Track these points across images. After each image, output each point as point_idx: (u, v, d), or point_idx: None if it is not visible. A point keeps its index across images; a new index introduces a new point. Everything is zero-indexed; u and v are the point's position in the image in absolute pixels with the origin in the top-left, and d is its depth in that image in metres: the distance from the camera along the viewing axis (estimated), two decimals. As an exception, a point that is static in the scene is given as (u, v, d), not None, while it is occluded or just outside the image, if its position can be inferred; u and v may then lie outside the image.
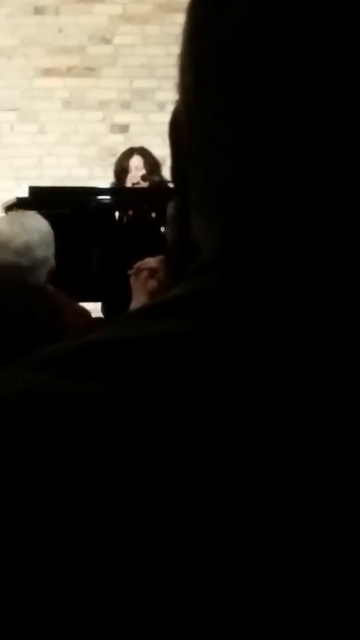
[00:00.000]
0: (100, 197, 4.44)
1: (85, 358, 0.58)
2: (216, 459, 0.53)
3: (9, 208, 3.83)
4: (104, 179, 5.88)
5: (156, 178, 5.43)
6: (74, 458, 0.53)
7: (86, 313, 3.60)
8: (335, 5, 0.56)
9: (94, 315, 3.74)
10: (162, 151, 5.46)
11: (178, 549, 0.51)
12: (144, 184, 5.48)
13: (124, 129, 7.06)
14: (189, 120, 0.63)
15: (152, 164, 5.53)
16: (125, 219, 4.19)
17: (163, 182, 5.30)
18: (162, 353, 0.57)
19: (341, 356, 0.56)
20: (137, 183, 5.57)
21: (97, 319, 3.67)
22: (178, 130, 0.65)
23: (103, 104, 7.09)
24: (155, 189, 5.17)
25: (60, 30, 7.19)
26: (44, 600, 0.52)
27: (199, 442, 0.53)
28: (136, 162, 5.65)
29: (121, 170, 5.72)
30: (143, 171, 5.60)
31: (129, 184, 5.62)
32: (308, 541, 0.52)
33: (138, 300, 3.29)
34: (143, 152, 5.66)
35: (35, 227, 3.37)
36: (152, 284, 3.22)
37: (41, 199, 3.98)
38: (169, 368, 0.56)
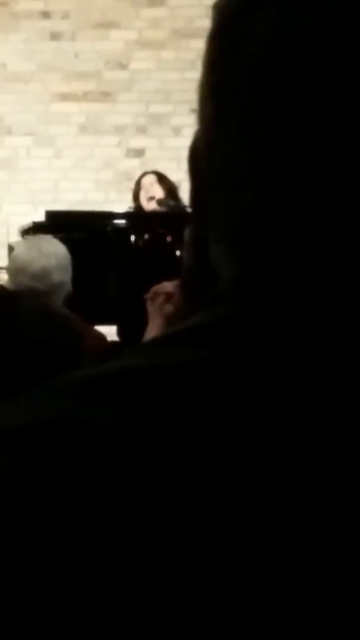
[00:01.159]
0: (116, 221, 4.45)
1: (105, 386, 0.57)
2: (236, 487, 0.53)
3: (26, 232, 3.93)
4: (120, 203, 5.93)
5: (172, 202, 5.45)
6: (90, 484, 0.53)
7: (102, 337, 3.63)
8: (352, 32, 0.57)
9: (109, 338, 3.74)
10: (177, 176, 5.57)
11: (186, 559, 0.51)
12: (161, 208, 5.49)
13: (139, 153, 7.07)
14: (208, 149, 0.63)
15: (168, 187, 5.58)
16: (141, 242, 4.20)
17: (179, 206, 5.33)
18: (182, 382, 0.56)
19: None
20: (153, 197, 5.59)
21: (113, 343, 3.70)
22: (198, 158, 0.65)
23: (119, 129, 7.10)
24: (171, 213, 5.18)
25: (76, 55, 7.18)
26: (49, 606, 0.52)
27: (216, 474, 0.53)
28: (150, 179, 5.70)
29: (137, 188, 5.77)
30: (157, 186, 5.66)
31: (144, 200, 5.66)
32: (309, 548, 0.52)
33: (154, 324, 3.30)
34: (158, 174, 5.71)
35: (52, 251, 3.40)
36: (169, 308, 3.20)
37: (57, 223, 4.04)
38: (188, 397, 0.56)
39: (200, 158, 0.64)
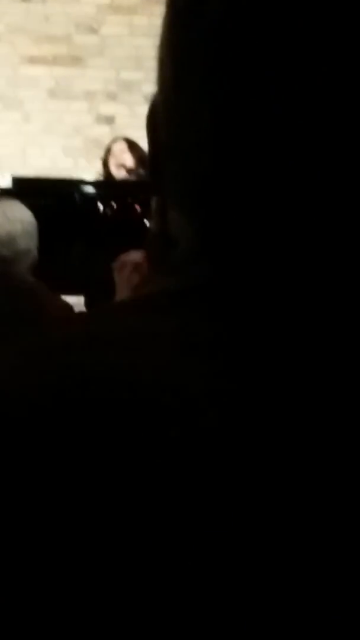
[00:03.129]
0: (84, 188, 4.44)
1: (55, 354, 0.59)
2: (210, 451, 0.54)
3: None
4: (89, 170, 5.92)
5: (142, 171, 5.40)
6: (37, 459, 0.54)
7: (68, 307, 3.54)
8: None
9: (77, 309, 3.67)
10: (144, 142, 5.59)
11: (179, 540, 0.53)
12: (130, 177, 5.50)
13: (109, 120, 7.10)
14: (167, 112, 0.64)
15: (138, 156, 5.51)
16: (109, 211, 4.18)
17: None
18: (135, 354, 0.57)
19: (329, 341, 0.58)
20: (122, 165, 5.58)
21: (80, 313, 3.43)
22: (156, 122, 0.66)
23: (89, 95, 7.12)
24: (141, 182, 5.11)
25: (47, 18, 7.13)
26: (46, 588, 0.53)
27: (194, 433, 0.54)
28: (120, 146, 5.67)
29: (106, 155, 5.74)
30: (127, 154, 5.62)
31: (113, 168, 5.64)
32: (305, 532, 0.53)
33: (121, 295, 3.17)
34: (128, 141, 5.66)
35: (19, 217, 3.36)
36: (136, 278, 3.08)
37: (24, 189, 3.99)
38: (150, 372, 0.56)
39: (159, 122, 0.65)
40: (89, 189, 4.31)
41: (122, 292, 3.17)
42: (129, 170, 5.50)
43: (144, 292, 0.68)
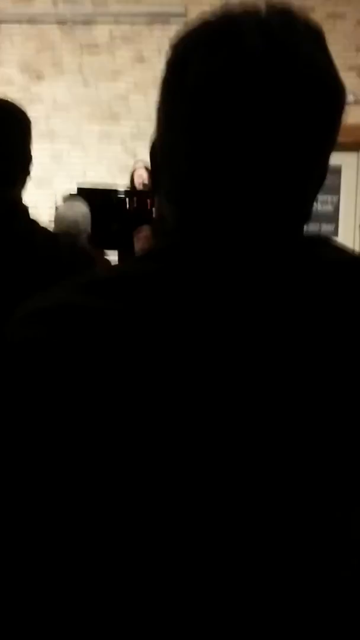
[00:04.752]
0: (118, 192, 4.14)
1: (94, 285, 0.59)
2: (160, 348, 0.53)
3: (65, 198, 3.92)
4: (121, 183, 5.54)
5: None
6: (78, 340, 0.54)
7: (108, 260, 3.83)
8: (236, 77, 0.57)
9: (113, 261, 3.94)
10: None
11: (140, 407, 0.52)
12: (144, 187, 5.34)
13: (133, 152, 6.59)
14: (160, 145, 0.64)
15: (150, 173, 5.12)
16: (132, 207, 3.99)
17: None
18: (139, 282, 0.57)
19: (241, 285, 0.56)
20: (141, 181, 5.43)
21: (114, 264, 3.32)
22: (154, 151, 0.65)
23: (121, 138, 6.80)
24: (150, 190, 4.53)
25: (97, 95, 6.83)
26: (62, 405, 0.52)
27: (157, 335, 0.54)
28: (140, 170, 5.53)
29: (132, 172, 5.61)
30: (145, 173, 5.46)
31: (135, 180, 5.50)
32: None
33: (138, 252, 3.34)
34: (145, 166, 5.51)
35: (79, 210, 3.51)
36: (147, 244, 3.32)
37: (84, 194, 3.92)
38: (143, 291, 0.57)
39: (155, 150, 0.65)
40: (121, 193, 4.11)
41: (138, 250, 3.43)
42: (144, 184, 5.43)
43: (146, 250, 0.64)
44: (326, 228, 6.39)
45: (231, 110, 0.59)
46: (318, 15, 5.71)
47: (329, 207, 6.42)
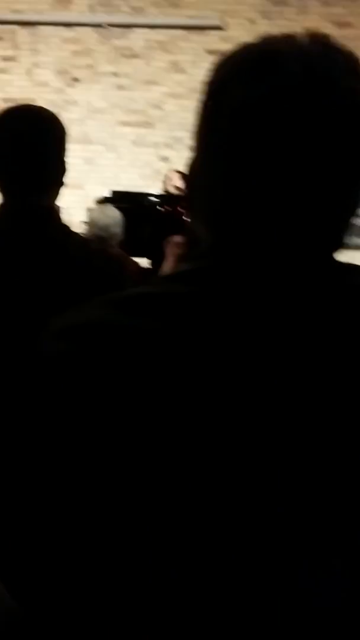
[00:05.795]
0: (151, 198, 4.23)
1: (126, 302, 0.59)
2: (198, 370, 0.53)
3: (98, 202, 3.97)
4: (155, 188, 5.46)
5: (185, 189, 4.94)
6: (106, 358, 0.55)
7: (137, 264, 3.81)
8: (275, 105, 0.57)
9: (143, 266, 3.93)
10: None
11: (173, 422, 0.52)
12: (177, 192, 5.12)
13: (166, 159, 6.77)
14: (197, 167, 0.65)
15: (184, 180, 5.13)
16: (164, 211, 4.03)
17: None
18: (171, 303, 0.58)
19: (279, 307, 0.56)
20: (174, 185, 5.31)
21: (145, 268, 3.78)
22: (191, 173, 0.66)
23: (155, 144, 6.92)
24: (182, 196, 4.02)
25: (132, 99, 6.90)
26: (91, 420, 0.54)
27: (186, 355, 0.54)
28: (173, 174, 5.46)
29: (166, 178, 5.59)
30: (177, 179, 5.32)
31: (169, 186, 5.41)
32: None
33: (168, 259, 3.32)
34: (178, 171, 5.32)
35: (111, 214, 3.59)
36: (177, 250, 3.25)
37: (117, 197, 4.02)
38: (174, 312, 0.57)
39: (192, 173, 0.65)
40: (153, 198, 4.17)
41: (169, 258, 3.30)
42: (177, 188, 5.22)
43: (177, 270, 0.65)
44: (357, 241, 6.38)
45: (268, 138, 0.60)
46: (354, 33, 5.80)
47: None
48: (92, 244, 1.84)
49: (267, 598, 0.56)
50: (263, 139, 0.60)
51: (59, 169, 1.67)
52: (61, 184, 1.68)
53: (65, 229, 1.66)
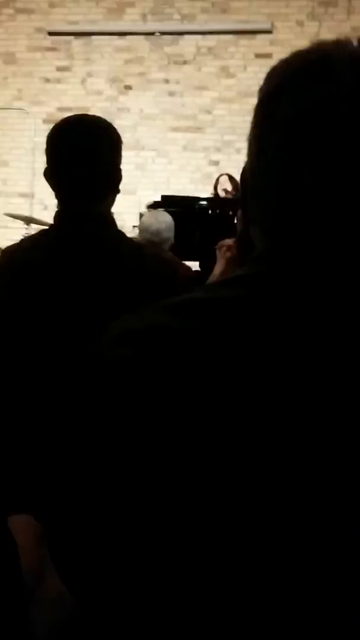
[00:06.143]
0: (201, 202, 4.19)
1: (186, 307, 0.60)
2: (245, 375, 0.52)
3: (150, 207, 4.01)
4: (204, 192, 5.68)
5: (234, 193, 5.39)
6: (165, 361, 0.55)
7: (189, 268, 3.75)
8: (331, 113, 0.57)
9: (194, 269, 3.87)
10: (237, 177, 5.16)
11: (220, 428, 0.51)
12: (227, 196, 5.38)
13: (216, 163, 6.90)
14: (251, 172, 0.64)
15: (234, 184, 5.51)
16: (214, 215, 4.01)
17: (238, 195, 4.34)
18: (226, 307, 0.58)
19: (338, 313, 0.54)
20: (224, 189, 5.47)
21: (195, 271, 3.75)
22: (245, 177, 0.66)
23: (205, 149, 7.04)
24: (234, 200, 4.89)
25: (182, 105, 7.12)
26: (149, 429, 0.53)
27: (231, 362, 0.54)
28: (224, 178, 5.59)
29: (216, 183, 5.65)
30: (228, 183, 5.49)
31: (219, 190, 5.53)
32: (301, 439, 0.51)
33: (219, 263, 3.08)
34: (228, 175, 5.61)
35: (163, 219, 3.57)
36: (228, 254, 2.98)
37: (168, 202, 4.03)
38: (230, 316, 0.57)
39: (247, 177, 0.65)
40: (203, 203, 4.12)
41: (220, 261, 3.05)
42: (227, 192, 5.47)
43: (233, 275, 0.63)
44: None
45: (322, 145, 0.60)
46: None
47: None
48: (147, 249, 1.75)
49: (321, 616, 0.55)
50: (317, 146, 0.60)
51: (115, 176, 1.70)
52: (117, 191, 1.71)
53: (120, 234, 1.68)
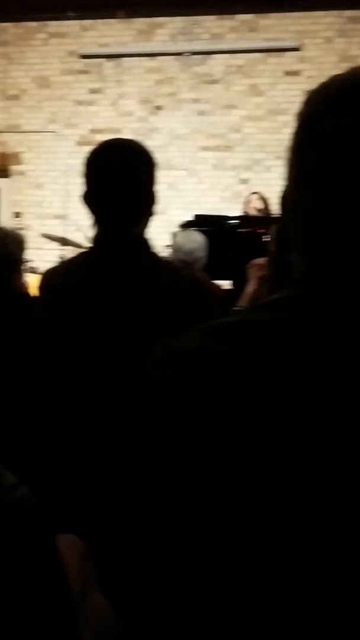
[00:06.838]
0: (231, 221, 4.12)
1: (222, 330, 0.60)
2: (288, 397, 0.52)
3: (182, 226, 3.96)
4: (234, 211, 5.54)
5: (265, 211, 5.41)
6: (203, 384, 0.55)
7: (220, 287, 3.64)
8: None
9: (226, 288, 3.77)
10: (268, 195, 5.50)
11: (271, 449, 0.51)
12: (258, 214, 5.35)
13: (245, 181, 6.91)
14: (290, 196, 0.65)
15: (264, 202, 5.50)
16: (245, 234, 3.78)
17: (268, 214, 5.23)
18: (266, 330, 0.58)
19: None
20: (255, 208, 5.45)
21: (226, 290, 3.70)
22: (285, 202, 0.66)
23: (234, 167, 7.05)
24: (263, 217, 4.94)
25: (212, 124, 7.09)
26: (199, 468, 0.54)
27: (277, 384, 0.53)
28: (254, 196, 5.58)
29: (246, 200, 5.63)
30: (257, 201, 5.47)
31: (249, 209, 5.50)
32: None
33: (251, 282, 3.27)
34: (258, 193, 5.58)
35: (196, 238, 3.56)
36: (260, 273, 3.19)
37: (200, 221, 4.00)
38: (270, 339, 0.57)
39: (286, 201, 0.65)
40: (234, 221, 4.05)
41: (251, 280, 3.21)
42: (258, 210, 5.45)
43: (272, 297, 0.63)
44: None
45: None
46: None
47: None
48: (182, 270, 1.74)
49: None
50: (355, 168, 0.59)
51: (150, 199, 1.72)
52: (152, 213, 1.73)
53: (156, 256, 1.70)
